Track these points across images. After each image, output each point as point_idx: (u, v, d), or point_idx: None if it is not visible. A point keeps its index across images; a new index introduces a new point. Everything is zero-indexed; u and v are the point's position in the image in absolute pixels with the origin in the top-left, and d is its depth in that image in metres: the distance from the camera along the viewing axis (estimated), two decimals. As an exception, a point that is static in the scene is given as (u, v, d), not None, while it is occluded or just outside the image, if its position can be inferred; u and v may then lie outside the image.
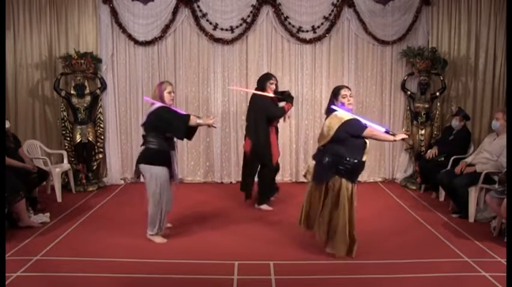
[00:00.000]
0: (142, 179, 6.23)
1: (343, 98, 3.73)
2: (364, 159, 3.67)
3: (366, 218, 4.82)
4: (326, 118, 3.81)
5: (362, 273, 3.47)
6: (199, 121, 4.02)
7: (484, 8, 6.20)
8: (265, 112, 4.98)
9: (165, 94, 4.06)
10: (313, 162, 3.89)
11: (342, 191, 3.61)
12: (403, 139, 3.76)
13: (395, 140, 3.70)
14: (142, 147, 4.09)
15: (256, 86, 5.16)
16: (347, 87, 3.87)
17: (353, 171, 3.64)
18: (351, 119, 3.63)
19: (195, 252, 3.85)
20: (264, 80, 5.09)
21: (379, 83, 6.56)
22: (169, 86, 4.12)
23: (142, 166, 4.03)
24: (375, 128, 3.69)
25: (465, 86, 6.39)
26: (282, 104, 5.18)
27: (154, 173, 3.97)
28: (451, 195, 5.00)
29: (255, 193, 5.27)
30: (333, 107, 3.76)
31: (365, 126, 3.61)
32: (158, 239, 4.13)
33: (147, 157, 4.01)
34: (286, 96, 5.21)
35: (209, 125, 4.12)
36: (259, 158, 5.08)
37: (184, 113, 4.14)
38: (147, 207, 4.11)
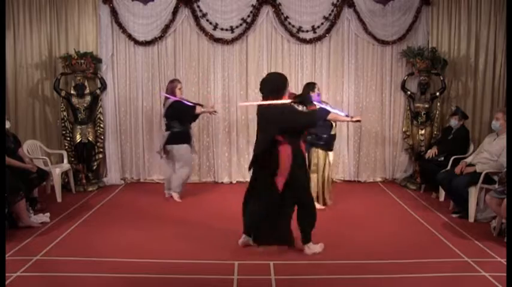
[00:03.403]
0: (142, 180, 6.44)
1: (318, 90, 5.09)
2: (333, 133, 5.09)
3: (366, 218, 4.84)
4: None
5: (362, 273, 3.47)
6: (203, 109, 5.41)
7: (484, 8, 6.21)
8: (290, 124, 3.59)
9: (177, 90, 5.30)
10: None
11: (319, 158, 5.04)
12: (358, 121, 4.85)
13: (351, 121, 4.92)
14: (168, 132, 5.30)
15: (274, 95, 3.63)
16: (315, 83, 5.18)
17: (328, 142, 5.07)
18: (318, 109, 4.57)
19: (195, 252, 3.84)
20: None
21: (379, 83, 6.56)
22: (179, 84, 5.39)
23: (170, 146, 5.30)
24: (336, 113, 4.69)
25: (465, 86, 6.40)
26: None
27: (180, 149, 5.30)
28: (451, 195, 5.00)
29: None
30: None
31: (328, 112, 4.65)
32: (177, 198, 5.44)
33: (173, 138, 5.27)
34: (304, 99, 4.12)
35: (210, 112, 5.52)
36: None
37: (192, 103, 5.31)
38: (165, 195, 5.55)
